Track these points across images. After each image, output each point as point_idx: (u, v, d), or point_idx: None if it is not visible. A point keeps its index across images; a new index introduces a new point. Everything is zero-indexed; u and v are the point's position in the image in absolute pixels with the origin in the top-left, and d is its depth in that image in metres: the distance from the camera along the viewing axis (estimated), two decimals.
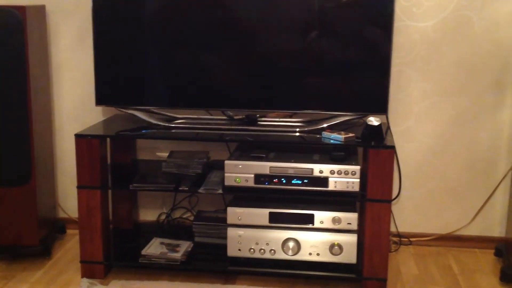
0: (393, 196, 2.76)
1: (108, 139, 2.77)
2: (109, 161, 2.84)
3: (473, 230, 3.04)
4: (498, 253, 2.91)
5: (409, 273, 2.79)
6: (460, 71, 2.89)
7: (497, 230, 3.02)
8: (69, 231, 3.14)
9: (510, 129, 2.90)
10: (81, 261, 2.69)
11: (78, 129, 2.69)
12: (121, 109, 2.81)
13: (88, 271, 2.68)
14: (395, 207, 3.01)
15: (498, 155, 2.95)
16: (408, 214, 3.06)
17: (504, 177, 2.96)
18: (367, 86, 2.66)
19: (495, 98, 2.90)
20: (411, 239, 3.07)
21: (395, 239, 3.05)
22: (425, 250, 3.02)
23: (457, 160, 2.98)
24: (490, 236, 3.03)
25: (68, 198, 3.17)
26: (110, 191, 2.82)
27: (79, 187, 2.62)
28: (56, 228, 3.07)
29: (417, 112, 2.95)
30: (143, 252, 2.70)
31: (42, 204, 2.87)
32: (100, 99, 2.77)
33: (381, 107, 2.65)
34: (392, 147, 2.48)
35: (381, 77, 2.62)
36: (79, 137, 2.59)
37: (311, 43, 2.66)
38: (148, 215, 3.21)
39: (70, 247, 3.00)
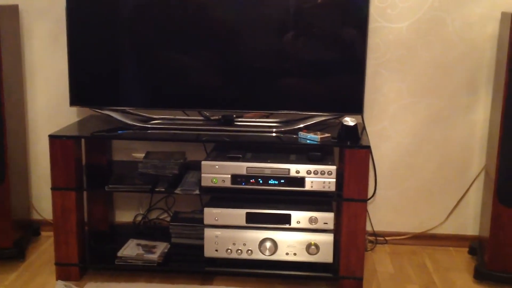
0: (369, 196, 2.78)
1: (83, 140, 2.75)
2: (84, 162, 2.81)
3: (448, 229, 3.08)
4: (472, 251, 2.95)
5: (385, 271, 2.81)
6: (434, 72, 2.92)
7: (470, 229, 3.06)
8: (43, 233, 3.11)
9: (483, 129, 2.94)
10: (56, 263, 2.66)
11: (53, 130, 2.65)
12: (96, 110, 2.78)
13: (63, 274, 2.65)
14: (371, 207, 3.04)
15: (472, 155, 2.99)
16: (384, 213, 3.09)
17: (477, 176, 3.00)
18: (342, 86, 2.68)
19: (468, 98, 2.93)
20: (386, 238, 3.10)
21: (371, 238, 3.08)
22: (401, 249, 3.05)
23: (432, 160, 3.01)
24: (464, 235, 3.07)
25: (43, 200, 3.13)
26: (85, 193, 2.79)
27: (53, 188, 2.59)
28: (30, 230, 3.03)
29: (392, 112, 2.98)
30: (119, 253, 2.68)
31: (16, 206, 2.83)
32: (75, 100, 2.75)
33: (357, 108, 2.67)
34: (368, 147, 2.50)
35: (357, 78, 2.64)
36: (53, 138, 2.56)
37: (287, 44, 2.67)
38: (124, 216, 3.18)
39: (44, 249, 2.97)
